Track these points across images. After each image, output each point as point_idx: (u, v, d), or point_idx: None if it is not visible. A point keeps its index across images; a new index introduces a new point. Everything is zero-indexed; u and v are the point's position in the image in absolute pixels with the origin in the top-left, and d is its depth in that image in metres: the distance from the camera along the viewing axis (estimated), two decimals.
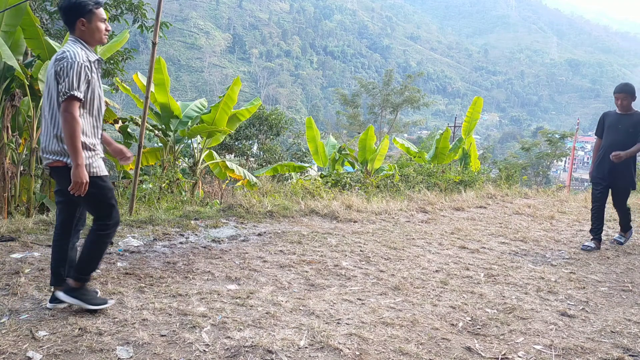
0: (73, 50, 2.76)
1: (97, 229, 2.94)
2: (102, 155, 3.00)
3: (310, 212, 6.36)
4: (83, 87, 2.74)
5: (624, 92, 5.28)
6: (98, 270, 3.64)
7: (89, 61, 2.80)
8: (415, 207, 7.35)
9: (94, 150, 2.88)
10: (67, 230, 3.02)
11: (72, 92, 2.67)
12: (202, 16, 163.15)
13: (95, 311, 2.89)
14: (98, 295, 3.03)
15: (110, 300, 3.01)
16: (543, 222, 7.02)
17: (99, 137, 2.96)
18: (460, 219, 6.83)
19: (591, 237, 5.50)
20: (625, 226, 5.69)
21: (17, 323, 2.69)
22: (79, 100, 2.71)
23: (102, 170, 2.91)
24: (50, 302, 2.97)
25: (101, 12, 2.88)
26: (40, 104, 5.20)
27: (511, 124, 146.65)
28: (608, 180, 5.40)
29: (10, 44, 6.41)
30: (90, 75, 2.79)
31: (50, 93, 2.82)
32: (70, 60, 2.70)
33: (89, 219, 3.15)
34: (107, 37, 2.95)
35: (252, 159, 18.73)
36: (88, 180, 2.76)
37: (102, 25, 2.89)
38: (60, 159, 2.79)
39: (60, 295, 2.87)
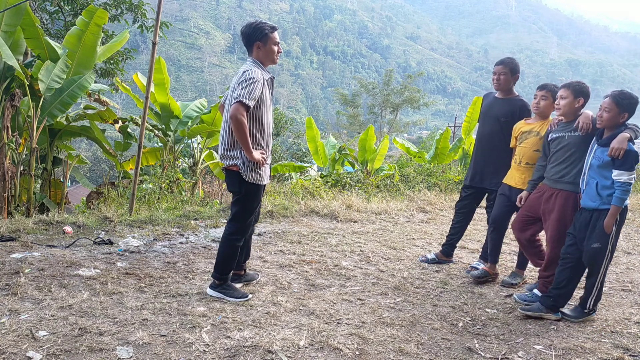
0: (251, 69, 3.11)
1: (228, 231, 3.28)
2: (269, 162, 3.33)
3: (310, 212, 6.36)
4: (253, 98, 3.04)
5: None
6: (98, 270, 3.65)
7: (263, 79, 3.14)
8: (415, 207, 7.35)
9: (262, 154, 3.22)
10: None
11: (241, 99, 2.99)
12: (202, 16, 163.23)
13: (237, 303, 3.21)
14: (240, 290, 3.38)
15: (249, 295, 3.31)
16: None
17: (270, 143, 3.31)
18: None
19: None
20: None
21: (17, 323, 2.69)
22: (247, 107, 3.02)
23: (262, 179, 3.24)
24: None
25: (275, 35, 3.21)
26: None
27: None
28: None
29: (10, 44, 6.41)
30: (262, 91, 3.12)
31: (226, 105, 3.22)
32: (248, 76, 3.05)
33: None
34: (279, 57, 3.31)
35: None
36: (259, 158, 3.12)
37: (275, 48, 3.23)
38: (232, 162, 3.18)
39: (208, 290, 3.32)
